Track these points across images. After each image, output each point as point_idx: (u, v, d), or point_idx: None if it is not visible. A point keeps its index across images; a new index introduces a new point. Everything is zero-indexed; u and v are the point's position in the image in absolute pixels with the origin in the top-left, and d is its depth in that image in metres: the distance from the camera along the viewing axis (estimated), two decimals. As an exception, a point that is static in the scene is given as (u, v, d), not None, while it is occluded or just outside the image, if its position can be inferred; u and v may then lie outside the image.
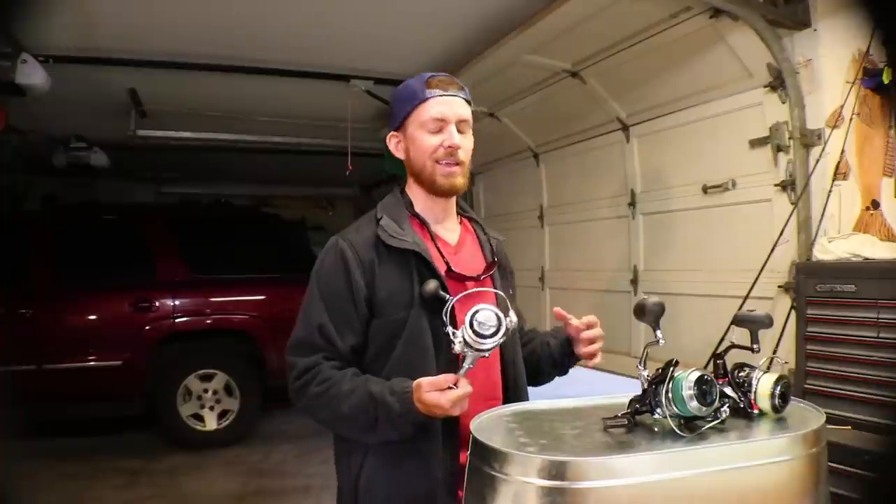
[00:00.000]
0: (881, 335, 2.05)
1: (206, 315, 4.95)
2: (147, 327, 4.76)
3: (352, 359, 1.34)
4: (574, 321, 1.37)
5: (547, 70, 3.49)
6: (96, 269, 4.81)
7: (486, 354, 1.16)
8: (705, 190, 2.98)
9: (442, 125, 1.35)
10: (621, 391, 1.12)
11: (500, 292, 1.35)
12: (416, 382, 1.21)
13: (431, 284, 1.26)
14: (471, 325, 1.12)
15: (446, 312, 1.20)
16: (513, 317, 1.17)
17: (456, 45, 3.33)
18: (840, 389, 2.14)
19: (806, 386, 2.24)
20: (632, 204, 3.50)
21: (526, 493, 0.86)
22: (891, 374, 2.01)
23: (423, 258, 1.32)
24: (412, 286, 1.32)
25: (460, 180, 1.38)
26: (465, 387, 1.17)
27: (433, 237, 1.39)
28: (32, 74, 3.08)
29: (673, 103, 3.14)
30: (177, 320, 4.84)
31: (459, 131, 1.36)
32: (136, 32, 3.14)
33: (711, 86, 2.88)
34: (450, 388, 1.17)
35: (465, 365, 1.17)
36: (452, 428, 1.27)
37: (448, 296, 1.24)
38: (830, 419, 1.09)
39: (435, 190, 1.38)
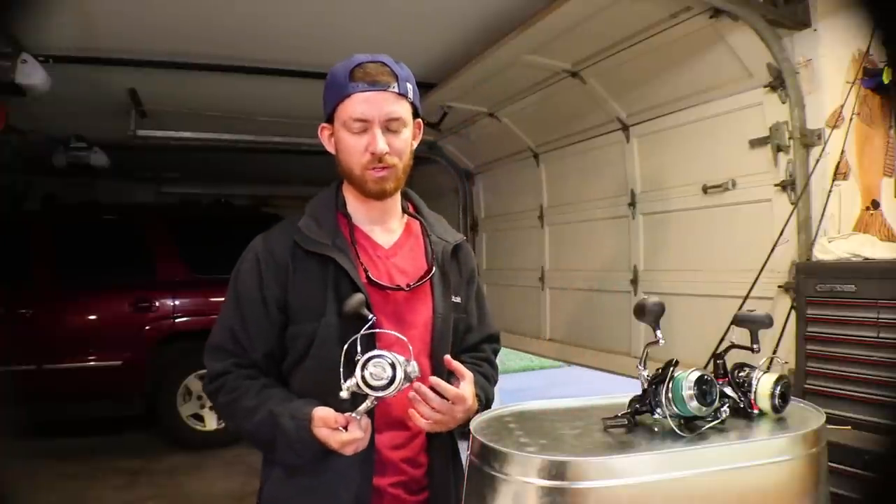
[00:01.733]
0: (881, 335, 2.05)
1: (206, 315, 4.95)
2: (147, 327, 4.77)
3: (265, 366, 1.27)
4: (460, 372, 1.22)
5: (547, 70, 3.49)
6: (96, 269, 4.82)
7: (377, 401, 1.09)
8: (705, 190, 2.98)
9: (366, 125, 1.22)
10: (621, 391, 1.12)
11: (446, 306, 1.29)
12: (315, 415, 1.14)
13: (355, 300, 1.13)
14: (362, 377, 1.05)
15: (360, 340, 1.09)
16: (413, 366, 1.08)
17: (456, 46, 3.33)
18: (840, 389, 2.14)
19: (806, 386, 2.24)
20: (632, 204, 3.50)
21: (526, 493, 0.86)
22: (891, 374, 2.00)
23: (341, 265, 1.23)
24: (325, 294, 1.23)
25: (391, 185, 1.26)
26: (354, 431, 1.11)
27: (354, 241, 1.29)
28: (32, 74, 3.07)
29: (673, 103, 3.14)
30: (177, 320, 4.85)
31: (390, 130, 1.23)
32: (136, 32, 3.13)
33: (711, 86, 2.88)
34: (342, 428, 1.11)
35: (361, 407, 1.09)
36: (366, 448, 1.17)
37: (371, 315, 1.13)
38: (830, 419, 1.09)
39: (365, 193, 1.28)
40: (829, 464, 1.02)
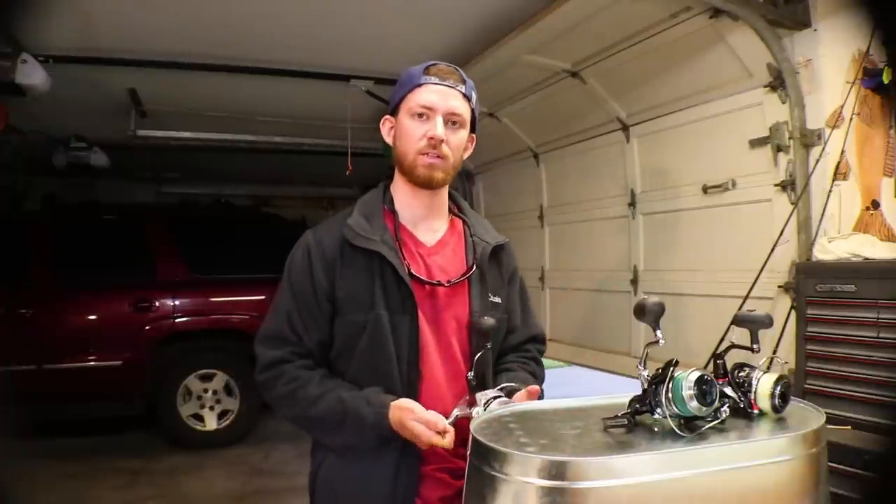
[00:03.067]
0: (881, 335, 2.05)
1: (206, 315, 4.95)
2: (147, 327, 4.76)
3: (318, 354, 1.34)
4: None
5: (547, 70, 3.49)
6: (96, 269, 4.82)
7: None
8: (705, 190, 2.98)
9: (428, 114, 1.30)
10: (621, 391, 1.12)
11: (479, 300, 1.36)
12: (398, 405, 1.22)
13: (491, 322, 1.27)
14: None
15: (478, 360, 1.25)
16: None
17: (455, 46, 3.33)
18: (840, 389, 2.14)
19: (806, 386, 2.24)
20: (632, 204, 3.50)
21: (526, 493, 0.86)
22: (891, 374, 2.00)
23: (387, 260, 1.29)
24: (373, 287, 1.29)
25: (440, 175, 1.31)
26: (450, 438, 1.19)
27: (398, 238, 1.34)
28: (32, 74, 3.08)
29: (673, 103, 3.14)
30: (177, 320, 4.85)
31: (450, 123, 1.31)
32: (136, 32, 3.14)
33: (711, 86, 2.88)
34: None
35: (454, 413, 1.21)
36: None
37: (488, 343, 1.29)
38: (830, 419, 1.09)
39: (413, 179, 1.33)
40: (829, 464, 1.02)
